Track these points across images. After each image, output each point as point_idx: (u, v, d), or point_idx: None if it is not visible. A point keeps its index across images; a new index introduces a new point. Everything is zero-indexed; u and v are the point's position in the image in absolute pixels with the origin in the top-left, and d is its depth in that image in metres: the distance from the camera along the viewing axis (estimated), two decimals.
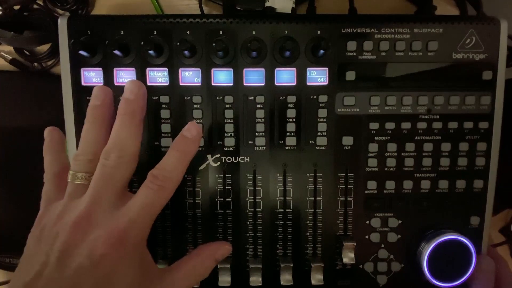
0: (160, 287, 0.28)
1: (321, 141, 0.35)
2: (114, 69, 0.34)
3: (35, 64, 0.43)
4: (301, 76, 0.35)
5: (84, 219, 0.26)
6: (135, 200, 0.27)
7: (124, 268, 0.26)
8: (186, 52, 0.33)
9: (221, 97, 0.35)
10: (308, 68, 0.35)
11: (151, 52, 0.33)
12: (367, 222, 0.36)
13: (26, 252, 0.27)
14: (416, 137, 0.36)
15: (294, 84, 0.35)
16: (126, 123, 0.29)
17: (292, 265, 0.35)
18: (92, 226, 0.26)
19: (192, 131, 0.30)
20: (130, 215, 0.27)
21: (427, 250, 0.34)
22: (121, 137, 0.29)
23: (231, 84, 0.35)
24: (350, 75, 0.35)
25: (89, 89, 0.34)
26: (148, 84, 0.34)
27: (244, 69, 0.34)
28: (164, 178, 0.28)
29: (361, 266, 0.37)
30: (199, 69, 0.34)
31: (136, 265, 0.27)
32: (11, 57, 0.42)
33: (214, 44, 0.33)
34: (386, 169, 0.36)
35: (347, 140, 0.36)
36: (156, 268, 0.29)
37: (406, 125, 0.36)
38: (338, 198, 0.36)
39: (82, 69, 0.34)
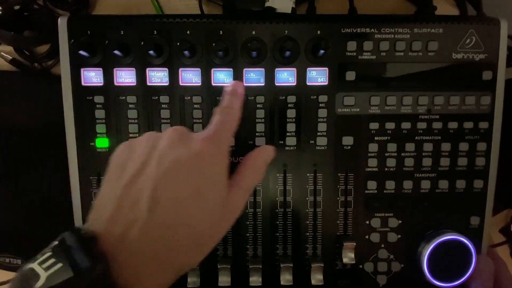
0: (236, 195, 0.29)
1: (321, 141, 0.35)
2: (114, 69, 0.34)
3: (35, 64, 0.43)
4: (301, 76, 0.35)
5: (182, 128, 0.28)
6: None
7: (218, 164, 0.27)
8: (186, 52, 0.33)
9: (221, 97, 0.35)
10: (308, 68, 0.35)
11: (151, 52, 0.33)
12: (367, 222, 0.36)
13: (115, 161, 0.27)
14: (416, 137, 0.36)
15: (294, 84, 0.35)
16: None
17: (292, 265, 0.35)
18: (189, 133, 0.28)
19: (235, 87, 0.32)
20: (215, 129, 0.29)
21: (427, 250, 0.34)
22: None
23: None
24: (350, 75, 0.35)
25: (89, 89, 0.34)
26: (148, 84, 0.34)
27: (244, 69, 0.34)
28: (226, 108, 0.31)
29: (361, 266, 0.37)
30: (199, 69, 0.34)
31: (225, 165, 0.28)
32: (11, 57, 0.42)
33: (214, 44, 0.33)
34: (386, 169, 0.36)
35: (347, 140, 0.36)
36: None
37: (406, 125, 0.36)
38: (338, 198, 0.36)
39: (82, 69, 0.34)
